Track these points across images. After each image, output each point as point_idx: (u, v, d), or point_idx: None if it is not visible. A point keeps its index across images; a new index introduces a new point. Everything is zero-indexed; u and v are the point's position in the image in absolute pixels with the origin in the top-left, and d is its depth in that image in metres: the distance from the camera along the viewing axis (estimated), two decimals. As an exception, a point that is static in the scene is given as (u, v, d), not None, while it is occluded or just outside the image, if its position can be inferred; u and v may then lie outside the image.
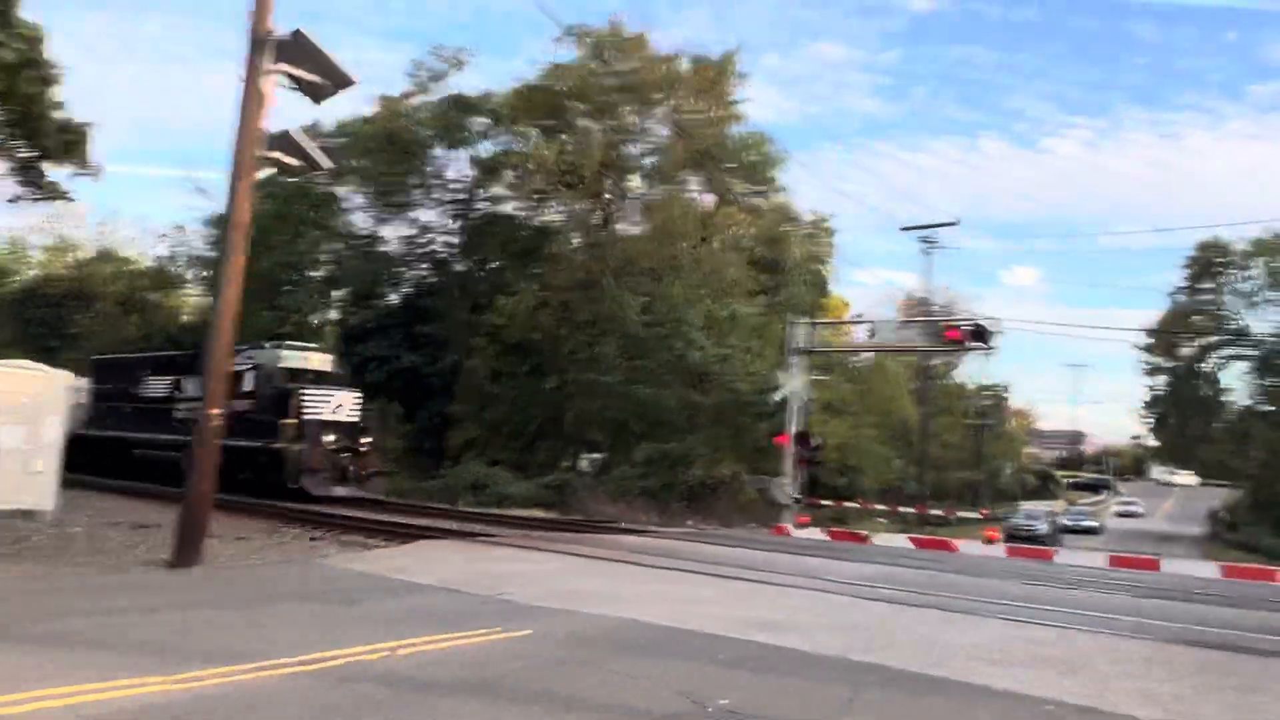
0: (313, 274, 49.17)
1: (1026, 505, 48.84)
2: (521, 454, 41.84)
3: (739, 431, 40.83)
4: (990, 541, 14.00)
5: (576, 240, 41.27)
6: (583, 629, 9.43)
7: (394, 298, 48.57)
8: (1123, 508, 72.28)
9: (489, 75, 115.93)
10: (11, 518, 17.75)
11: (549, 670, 7.34)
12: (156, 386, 32.01)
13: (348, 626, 8.83)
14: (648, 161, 42.21)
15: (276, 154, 18.84)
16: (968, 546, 14.81)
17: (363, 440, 28.00)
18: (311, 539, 20.35)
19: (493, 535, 20.04)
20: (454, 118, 43.97)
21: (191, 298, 60.36)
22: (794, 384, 31.99)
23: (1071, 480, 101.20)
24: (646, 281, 34.74)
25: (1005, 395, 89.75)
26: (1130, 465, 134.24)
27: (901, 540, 15.69)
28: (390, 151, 43.44)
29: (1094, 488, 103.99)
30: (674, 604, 11.60)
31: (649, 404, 35.06)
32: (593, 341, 37.74)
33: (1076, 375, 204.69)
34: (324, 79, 13.86)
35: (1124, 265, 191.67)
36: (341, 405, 27.62)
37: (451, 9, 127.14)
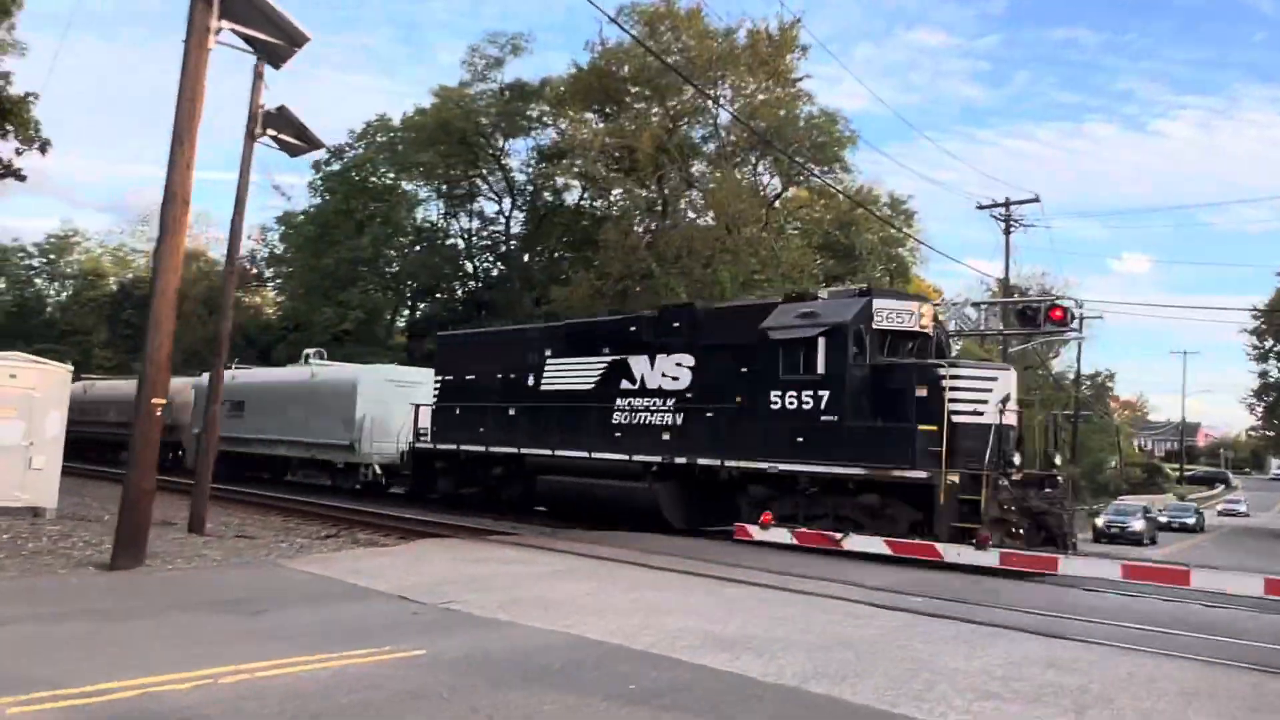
0: (388, 269, 48.78)
1: (1121, 501, 45.71)
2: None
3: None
4: (982, 545, 11.87)
5: (639, 226, 39.98)
6: (497, 648, 8.07)
7: (459, 292, 48.06)
8: (1226, 506, 67.94)
9: (562, 66, 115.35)
10: (14, 516, 17.23)
11: (387, 707, 6.01)
12: (573, 374, 21.16)
13: (218, 644, 7.64)
14: (710, 147, 40.79)
15: (272, 130, 18.14)
16: (955, 553, 12.83)
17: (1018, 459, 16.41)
18: (325, 536, 19.55)
19: (511, 534, 18.81)
20: (511, 106, 43.15)
21: (272, 296, 60.46)
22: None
23: (1183, 474, 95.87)
24: (699, 268, 33.17)
25: (1109, 385, 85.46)
26: (1248, 458, 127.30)
27: (877, 544, 13.76)
28: (447, 142, 42.75)
29: (1208, 482, 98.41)
30: (644, 614, 10.16)
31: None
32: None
33: (1186, 364, 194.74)
34: (276, 37, 12.79)
35: (1240, 251, 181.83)
36: (1008, 396, 15.85)
37: (544, 9, 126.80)
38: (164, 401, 11.80)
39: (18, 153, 16.81)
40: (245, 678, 6.45)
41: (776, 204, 41.32)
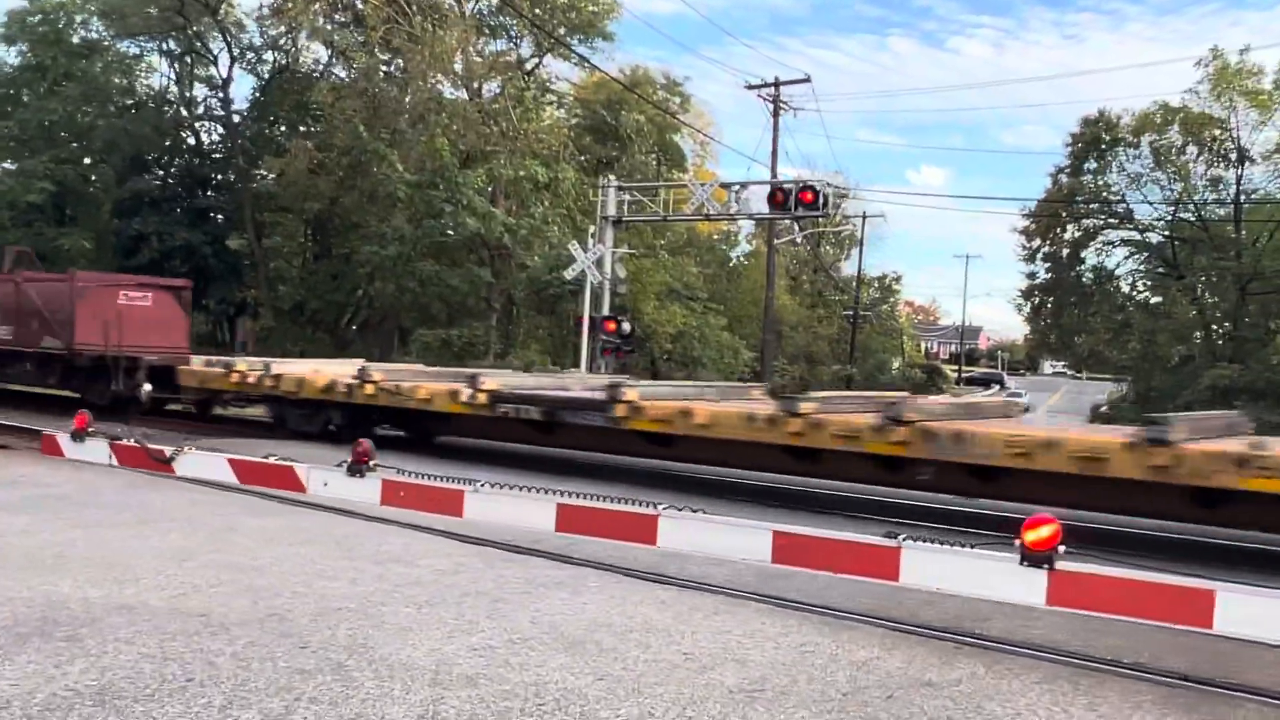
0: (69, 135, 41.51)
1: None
2: (338, 348, 36.26)
3: (560, 319, 36.01)
4: (358, 468, 8.71)
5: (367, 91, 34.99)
6: None
7: (173, 167, 41.84)
8: (1007, 398, 69.20)
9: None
10: None
11: None
12: None
13: None
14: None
15: None
16: (321, 482, 9.69)
17: None
18: None
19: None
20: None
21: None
22: (593, 259, 26.79)
23: (961, 375, 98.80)
24: (414, 134, 28.88)
25: (896, 288, 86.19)
26: (1025, 360, 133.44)
27: (221, 467, 10.65)
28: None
29: (984, 382, 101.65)
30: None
31: (435, 284, 29.64)
32: (383, 214, 32.08)
33: (969, 268, 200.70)
34: None
35: (1026, 165, 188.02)
36: None
37: None
38: None
39: None
40: None
41: (533, 74, 37.31)
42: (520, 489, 8.98)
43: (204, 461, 10.52)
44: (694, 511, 8.01)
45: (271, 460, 10.13)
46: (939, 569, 6.64)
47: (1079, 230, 49.69)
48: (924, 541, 6.93)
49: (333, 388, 15.43)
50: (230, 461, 10.18)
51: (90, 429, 11.60)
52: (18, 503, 9.44)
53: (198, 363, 18.27)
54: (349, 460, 8.96)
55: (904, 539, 6.73)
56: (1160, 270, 47.90)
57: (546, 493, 8.83)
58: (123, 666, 4.81)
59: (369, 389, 14.93)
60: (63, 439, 11.68)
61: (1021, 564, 6.27)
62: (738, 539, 7.45)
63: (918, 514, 11.82)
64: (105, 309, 19.93)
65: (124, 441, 11.25)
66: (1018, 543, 6.24)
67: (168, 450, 10.76)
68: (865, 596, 7.01)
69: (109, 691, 4.46)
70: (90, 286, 20.59)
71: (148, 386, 18.74)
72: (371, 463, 8.81)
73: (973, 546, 6.58)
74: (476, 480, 9.19)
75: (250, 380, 16.44)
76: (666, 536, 7.78)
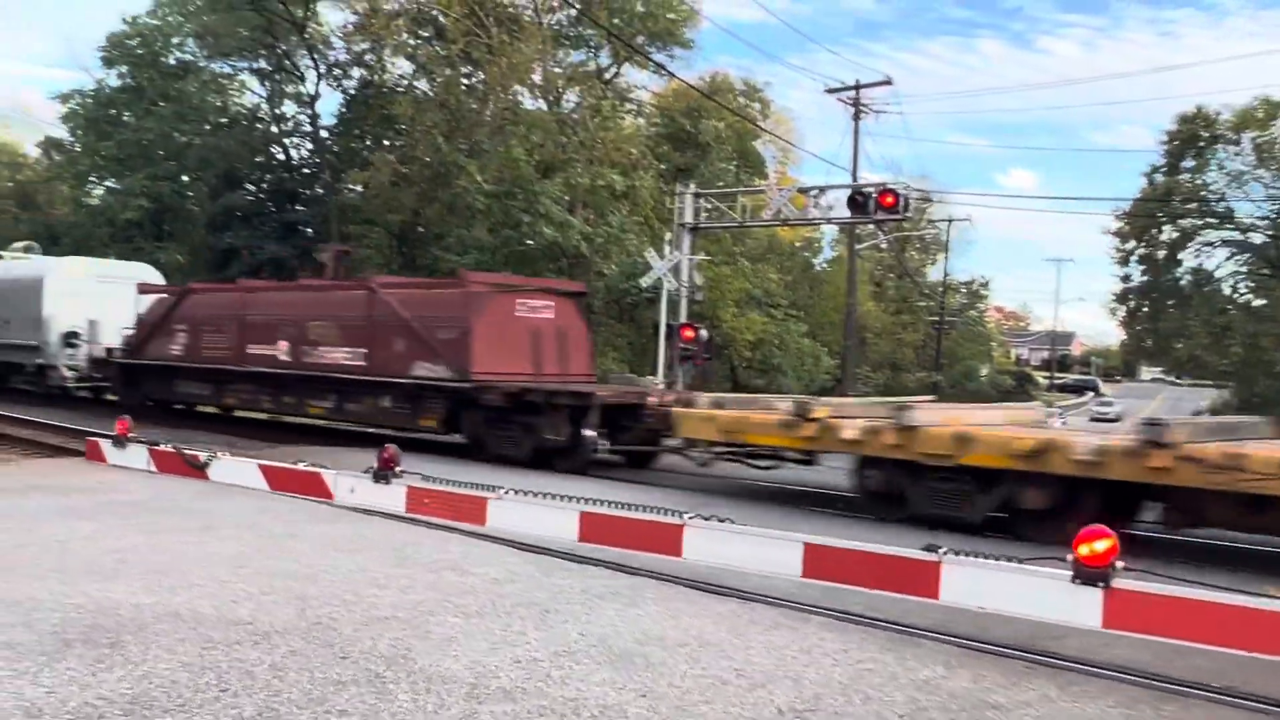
0: (165, 154, 42.91)
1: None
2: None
3: (639, 327, 35.87)
4: (384, 473, 8.35)
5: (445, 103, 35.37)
6: None
7: (266, 180, 42.89)
8: (1097, 411, 66.61)
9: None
10: None
11: None
12: None
13: None
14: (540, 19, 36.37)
15: None
16: (348, 489, 9.53)
17: None
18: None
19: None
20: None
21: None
22: (670, 266, 26.57)
23: (1053, 382, 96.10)
24: (489, 141, 29.07)
25: (984, 293, 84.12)
26: (1120, 366, 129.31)
27: (251, 473, 10.53)
28: (225, 8, 37.06)
29: (1078, 389, 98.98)
30: None
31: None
32: (464, 224, 32.39)
33: (1061, 273, 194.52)
34: None
35: (1119, 165, 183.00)
36: None
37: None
38: None
39: None
40: None
41: (611, 84, 37.35)
42: (543, 496, 8.77)
43: (236, 468, 10.68)
44: (722, 521, 7.68)
45: (300, 466, 10.21)
46: (983, 586, 6.18)
47: (1176, 231, 47.97)
48: (968, 555, 6.51)
49: (1045, 452, 9.71)
50: (261, 468, 10.28)
51: (131, 434, 11.84)
52: (89, 509, 9.61)
53: (704, 403, 13.14)
54: (375, 466, 8.92)
55: (945, 552, 6.31)
56: (1264, 271, 45.92)
57: (568, 500, 8.59)
58: (160, 675, 4.77)
59: (1161, 461, 8.86)
60: (105, 445, 11.91)
61: (1074, 581, 5.81)
62: (767, 551, 7.09)
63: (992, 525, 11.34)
64: (506, 324, 15.43)
65: (161, 447, 11.45)
66: (1070, 558, 5.82)
67: (202, 455, 10.99)
68: (934, 611, 6.68)
69: (141, 701, 4.41)
70: (486, 293, 15.77)
71: (593, 434, 14.01)
72: (398, 468, 8.74)
73: (1022, 561, 6.16)
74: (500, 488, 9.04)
75: (849, 436, 11.04)
76: (692, 547, 7.44)
